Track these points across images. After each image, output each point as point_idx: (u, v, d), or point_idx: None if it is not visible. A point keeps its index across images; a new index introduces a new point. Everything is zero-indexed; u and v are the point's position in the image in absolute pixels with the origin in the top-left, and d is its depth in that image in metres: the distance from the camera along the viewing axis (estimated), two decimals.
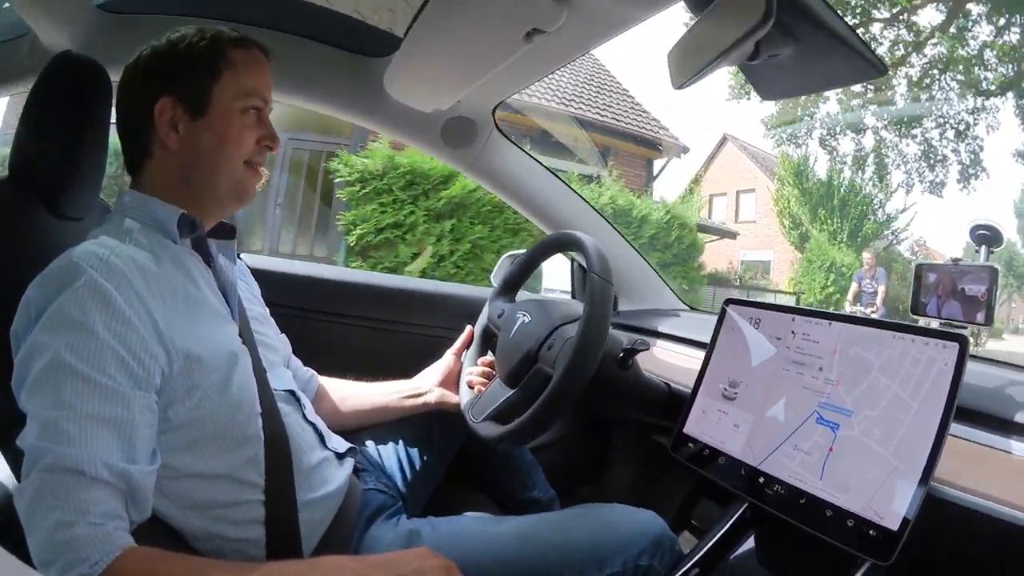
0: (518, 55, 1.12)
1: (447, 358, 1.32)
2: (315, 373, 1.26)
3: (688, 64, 0.94)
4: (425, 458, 1.23)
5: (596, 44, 1.13)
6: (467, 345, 1.33)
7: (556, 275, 1.81)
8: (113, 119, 0.95)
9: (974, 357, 0.95)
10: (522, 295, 1.36)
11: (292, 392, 1.04)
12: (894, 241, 15.41)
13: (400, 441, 1.24)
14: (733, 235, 14.95)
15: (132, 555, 0.69)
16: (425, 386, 1.27)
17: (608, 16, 1.02)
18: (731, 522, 1.09)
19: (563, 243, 1.23)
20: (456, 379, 1.30)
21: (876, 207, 14.94)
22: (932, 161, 14.28)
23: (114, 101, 0.94)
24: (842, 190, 14.73)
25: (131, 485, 0.73)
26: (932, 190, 14.54)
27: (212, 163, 0.91)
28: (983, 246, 0.95)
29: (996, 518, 0.77)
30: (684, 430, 1.12)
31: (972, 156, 13.92)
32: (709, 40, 0.87)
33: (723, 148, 20.60)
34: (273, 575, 0.75)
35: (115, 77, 0.94)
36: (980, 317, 0.91)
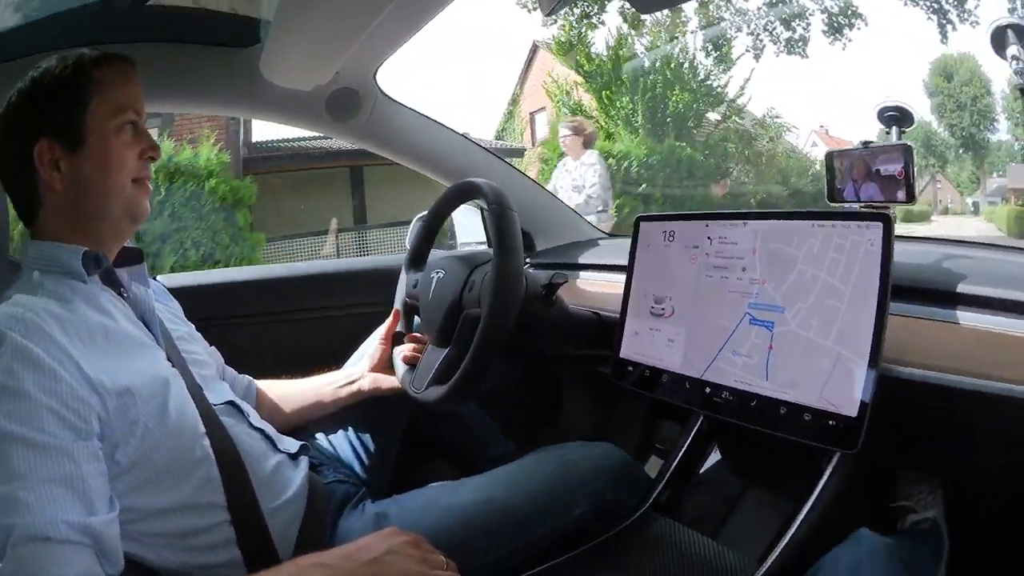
0: (385, 13, 1.06)
1: (373, 343, 1.29)
2: (251, 379, 1.23)
3: None
4: (377, 440, 1.21)
5: None
6: (394, 327, 1.29)
7: (468, 227, 1.78)
8: None
9: (906, 238, 0.95)
10: (433, 255, 1.33)
11: (232, 403, 1.01)
12: (730, 117, 13.10)
13: (349, 428, 1.22)
14: (520, 152, 13.29)
15: None
16: (357, 373, 1.25)
17: None
18: (690, 438, 1.09)
19: (460, 192, 1.21)
20: (387, 362, 1.26)
21: (706, 79, 12.64)
22: (786, 16, 12.60)
23: None
24: (646, 64, 12.04)
25: (96, 538, 0.71)
26: (791, 49, 12.88)
27: (101, 192, 0.87)
28: (893, 127, 0.95)
29: (951, 387, 0.78)
30: (621, 355, 1.11)
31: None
32: None
33: (536, 57, 17.46)
34: None
35: None
36: (901, 195, 0.90)
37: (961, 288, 0.85)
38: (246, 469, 0.91)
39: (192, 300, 1.19)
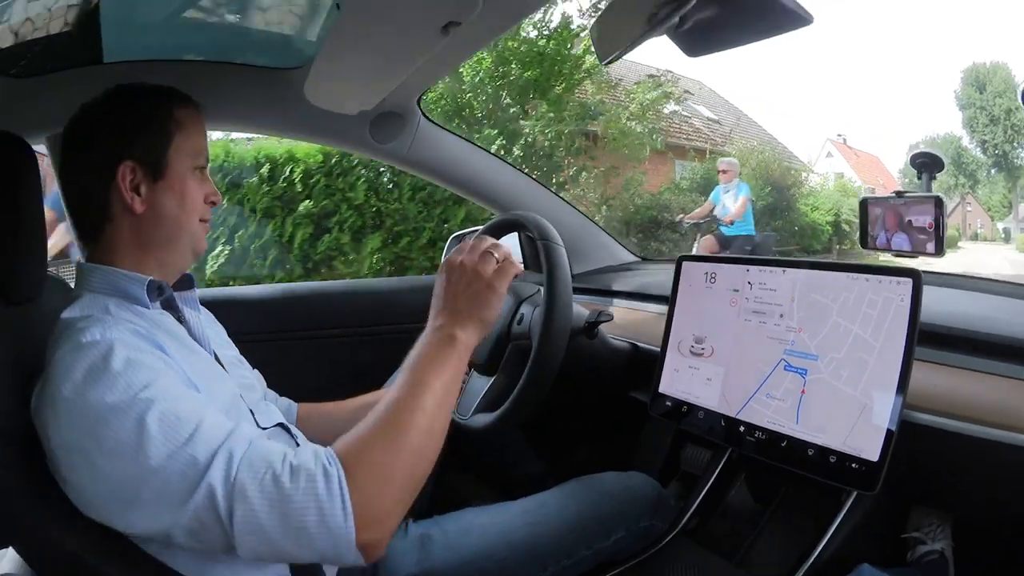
0: (437, 49, 1.10)
1: None
2: (292, 402, 1.23)
3: (615, 39, 0.94)
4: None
5: (512, 25, 1.12)
6: None
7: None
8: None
9: (934, 274, 0.99)
10: None
11: (282, 425, 1.02)
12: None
13: None
14: None
15: (338, 451, 0.72)
16: None
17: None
18: (719, 468, 1.14)
19: (505, 227, 1.23)
20: None
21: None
22: None
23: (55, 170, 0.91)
24: None
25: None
26: None
27: (174, 225, 0.90)
28: (924, 173, 0.98)
29: (970, 436, 0.82)
30: (660, 390, 1.16)
31: None
32: (633, 12, 0.88)
33: None
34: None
35: (34, 144, 0.90)
36: (930, 247, 0.95)
37: (985, 336, 0.90)
38: None
39: (227, 314, 1.18)
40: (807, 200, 14.43)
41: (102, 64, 1.17)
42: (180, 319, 0.94)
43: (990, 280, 1.15)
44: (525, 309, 1.13)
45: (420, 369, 0.81)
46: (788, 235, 13.20)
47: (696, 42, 0.98)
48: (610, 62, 0.98)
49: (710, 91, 19.67)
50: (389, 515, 0.73)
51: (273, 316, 1.64)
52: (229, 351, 1.08)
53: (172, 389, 0.74)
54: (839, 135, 34.72)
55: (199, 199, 0.92)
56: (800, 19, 0.86)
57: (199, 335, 0.95)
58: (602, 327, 1.23)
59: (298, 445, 0.96)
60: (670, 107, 11.08)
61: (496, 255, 0.90)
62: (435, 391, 0.79)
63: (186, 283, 0.99)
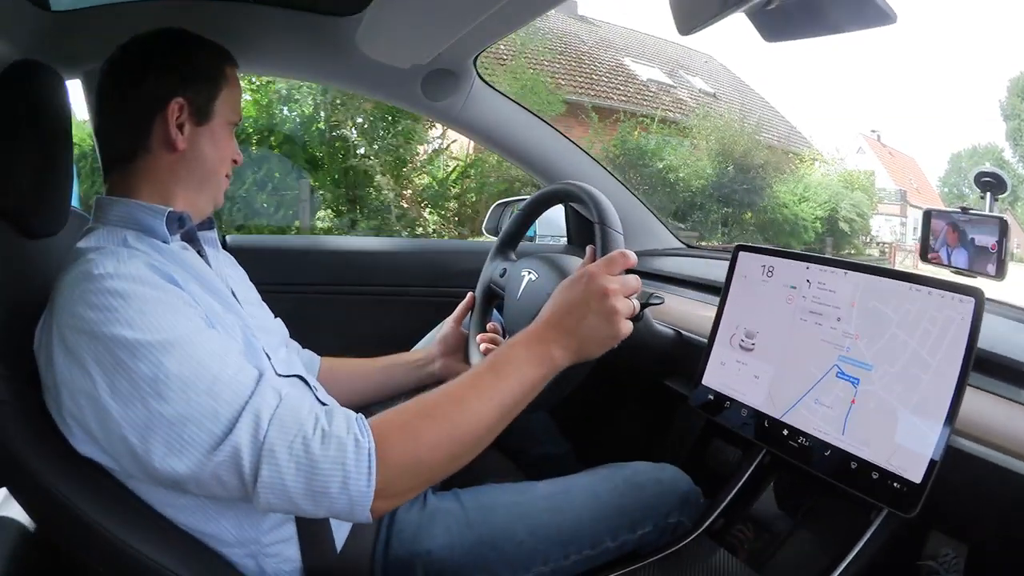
0: (502, 3, 1.05)
1: (447, 326, 1.28)
2: (314, 354, 1.22)
3: (698, 9, 0.88)
4: None
5: None
6: (467, 311, 1.29)
7: (550, 221, 1.77)
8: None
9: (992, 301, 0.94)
10: (521, 247, 1.32)
11: (299, 377, 1.01)
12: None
13: None
14: None
15: (377, 425, 0.73)
16: (430, 355, 1.25)
17: None
18: (751, 470, 1.10)
19: (564, 195, 1.18)
20: (459, 347, 1.26)
21: None
22: None
23: (94, 94, 0.91)
24: None
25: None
26: None
27: (208, 170, 0.93)
28: (988, 193, 0.93)
29: (1007, 469, 0.78)
30: (703, 382, 1.12)
31: None
32: None
33: None
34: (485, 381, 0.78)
35: (68, 79, 0.91)
36: (991, 268, 0.91)
37: None
38: None
39: (254, 265, 1.17)
40: (793, 188, 12.60)
41: (144, 0, 1.14)
42: (200, 253, 0.94)
43: None
44: None
45: (500, 373, 0.78)
46: (754, 229, 11.68)
47: (776, 26, 0.92)
48: (689, 33, 0.92)
49: (720, 66, 19.35)
50: (408, 493, 0.75)
51: (298, 268, 1.63)
52: (250, 293, 1.08)
53: (191, 330, 0.73)
54: (873, 131, 33.38)
55: (229, 153, 0.96)
56: (885, 16, 0.81)
57: (219, 271, 0.95)
58: (646, 311, 1.19)
59: (316, 397, 0.98)
60: (648, 75, 10.89)
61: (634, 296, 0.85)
62: (504, 401, 0.77)
63: (206, 223, 0.99)
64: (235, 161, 0.99)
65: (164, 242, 0.85)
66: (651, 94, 13.60)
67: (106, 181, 0.90)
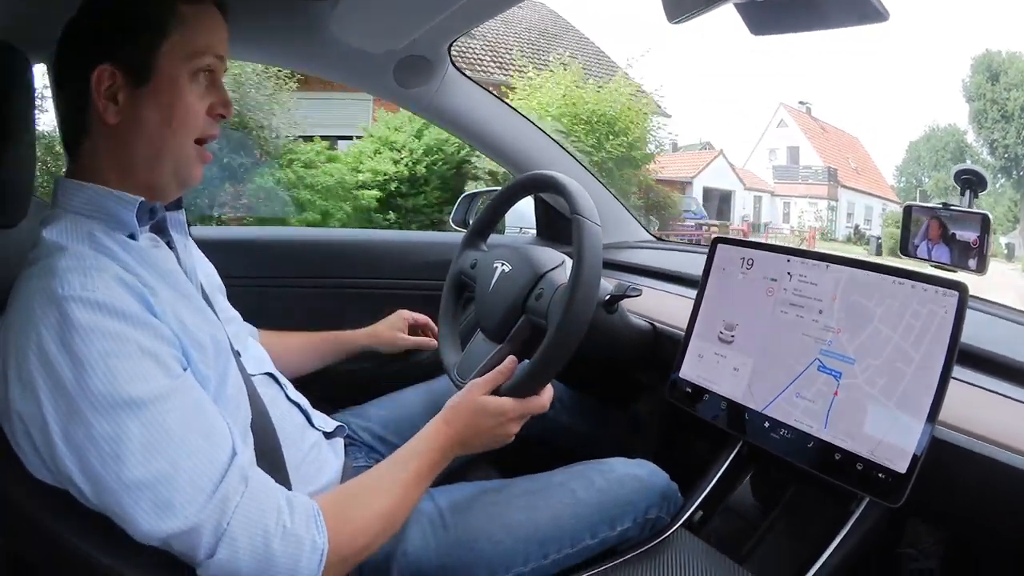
0: None
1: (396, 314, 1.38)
2: (253, 327, 1.17)
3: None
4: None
5: None
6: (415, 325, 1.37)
7: (519, 213, 1.75)
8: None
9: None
10: (496, 240, 1.30)
11: (270, 375, 0.99)
12: None
13: (383, 406, 1.23)
14: None
15: (323, 508, 0.76)
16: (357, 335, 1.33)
17: None
18: (728, 461, 1.11)
19: (539, 184, 1.15)
20: (392, 324, 1.35)
21: None
22: None
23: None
24: None
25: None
26: None
27: (156, 140, 0.79)
28: (968, 191, 0.95)
29: (989, 458, 0.80)
30: (680, 375, 1.11)
31: None
32: None
33: None
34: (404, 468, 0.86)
35: (35, 62, 0.82)
36: (972, 264, 0.92)
37: (1016, 361, 0.88)
38: (282, 451, 0.88)
39: (219, 256, 1.11)
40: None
41: None
42: (170, 244, 0.87)
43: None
44: (545, 285, 1.05)
45: (418, 466, 0.87)
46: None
47: (765, 19, 0.92)
48: (678, 22, 0.91)
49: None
50: (354, 561, 0.79)
51: (264, 260, 1.58)
52: (214, 278, 1.02)
53: (161, 389, 0.68)
54: (801, 103, 30.83)
55: (196, 111, 0.80)
56: (877, 14, 0.81)
57: (187, 266, 0.88)
58: (622, 305, 1.18)
59: (287, 395, 0.97)
60: None
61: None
62: (422, 484, 0.88)
63: (175, 203, 0.89)
64: (222, 115, 0.84)
65: (132, 237, 0.79)
66: None
67: (68, 164, 0.83)
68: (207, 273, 1.00)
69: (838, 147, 29.66)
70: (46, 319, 0.65)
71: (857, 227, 26.10)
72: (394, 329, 1.36)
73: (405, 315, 1.38)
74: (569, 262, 1.00)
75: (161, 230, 0.86)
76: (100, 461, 0.64)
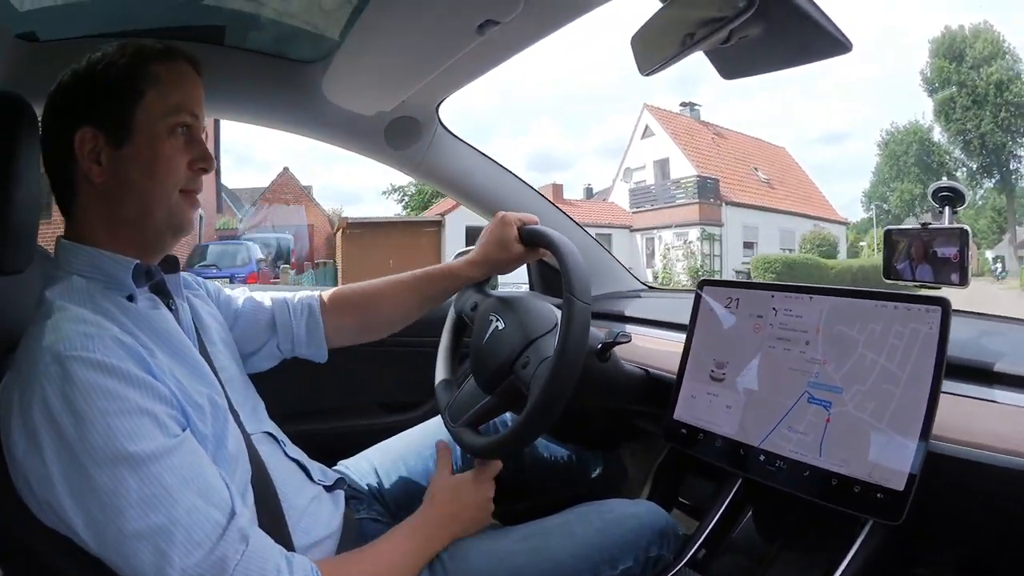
0: (469, 49, 1.08)
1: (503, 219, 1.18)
2: (313, 298, 1.18)
3: (657, 50, 0.93)
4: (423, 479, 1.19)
5: (551, 31, 1.09)
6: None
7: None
8: None
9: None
10: (495, 294, 1.32)
11: (269, 433, 0.99)
12: None
13: (412, 472, 1.21)
14: None
15: (323, 570, 0.78)
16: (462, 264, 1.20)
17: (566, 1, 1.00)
18: (728, 499, 1.10)
19: (540, 243, 1.15)
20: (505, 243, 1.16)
21: None
22: None
23: None
24: None
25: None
26: None
27: (143, 195, 0.82)
28: (946, 207, 0.98)
29: (985, 464, 0.80)
30: (675, 416, 1.12)
31: None
32: (680, 25, 0.87)
33: None
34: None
35: (40, 111, 0.85)
36: (954, 278, 0.93)
37: (999, 366, 0.89)
38: (281, 507, 0.88)
39: None
40: None
41: (121, 35, 1.13)
42: (170, 305, 0.89)
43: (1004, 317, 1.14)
44: (532, 354, 1.06)
45: (415, 544, 0.93)
46: None
47: (734, 63, 0.97)
48: (650, 74, 0.96)
49: None
50: None
51: None
52: (215, 326, 1.03)
53: (159, 448, 0.70)
54: (685, 103, 24.93)
55: (178, 165, 0.83)
56: (840, 46, 0.86)
57: (187, 326, 0.91)
58: (616, 353, 1.19)
59: (284, 452, 0.98)
60: None
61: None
62: (418, 556, 0.92)
63: (171, 265, 0.92)
64: (203, 169, 0.86)
65: (131, 298, 0.82)
66: None
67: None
68: (212, 319, 1.02)
69: (741, 156, 23.92)
70: (49, 376, 0.68)
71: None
72: (504, 241, 1.16)
73: (508, 217, 1.17)
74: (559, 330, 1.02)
75: (160, 291, 0.88)
76: (101, 511, 0.66)
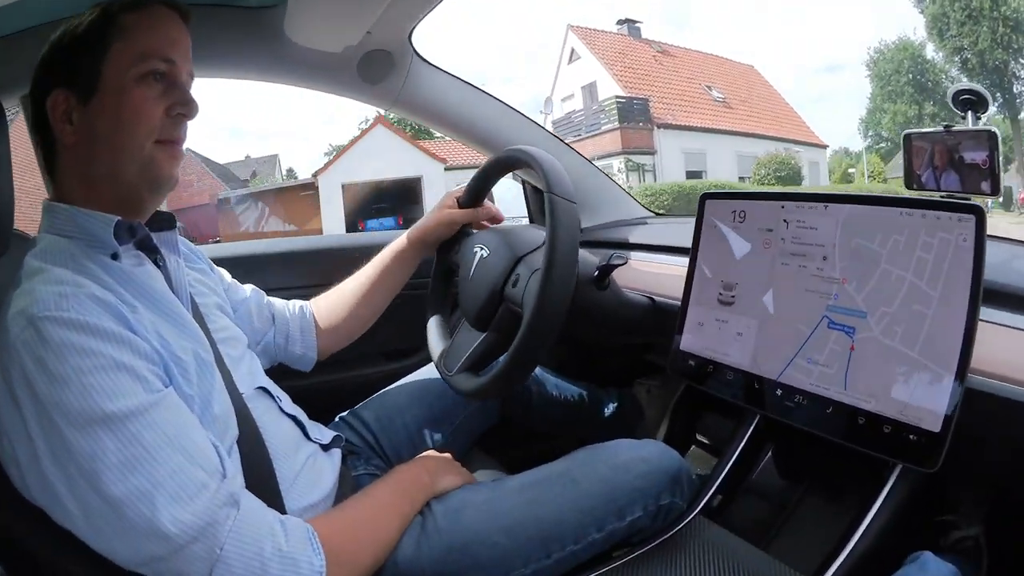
0: None
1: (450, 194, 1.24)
2: (305, 303, 1.22)
3: None
4: (436, 437, 1.17)
5: None
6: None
7: (509, 203, 1.68)
8: None
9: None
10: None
11: (263, 388, 0.95)
12: None
13: (412, 420, 1.17)
14: None
15: (318, 530, 0.74)
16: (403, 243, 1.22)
17: None
18: (745, 439, 1.01)
19: (512, 162, 1.10)
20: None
21: None
22: None
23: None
24: None
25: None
26: None
27: (113, 149, 0.79)
28: (968, 111, 0.86)
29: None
30: (681, 347, 1.03)
31: None
32: None
33: None
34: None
35: (8, 104, 0.85)
36: (985, 187, 0.83)
37: None
38: (272, 467, 0.85)
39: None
40: None
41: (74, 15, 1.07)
42: (157, 262, 0.85)
43: None
44: (521, 270, 0.99)
45: (411, 500, 0.90)
46: None
47: None
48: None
49: None
50: None
51: (260, 275, 1.54)
52: (210, 296, 1.01)
53: (138, 404, 0.67)
54: (624, 20, 21.70)
55: (150, 113, 0.79)
56: None
57: (178, 282, 0.88)
58: (617, 282, 1.10)
59: (280, 408, 0.94)
60: None
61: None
62: (415, 507, 0.90)
63: (167, 223, 0.89)
64: (183, 115, 0.82)
65: (114, 256, 0.79)
66: None
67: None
68: (205, 293, 0.99)
69: (691, 75, 20.54)
70: (24, 340, 0.66)
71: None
72: (438, 214, 1.21)
73: (453, 192, 1.23)
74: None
75: (147, 248, 0.85)
76: (81, 477, 0.64)
